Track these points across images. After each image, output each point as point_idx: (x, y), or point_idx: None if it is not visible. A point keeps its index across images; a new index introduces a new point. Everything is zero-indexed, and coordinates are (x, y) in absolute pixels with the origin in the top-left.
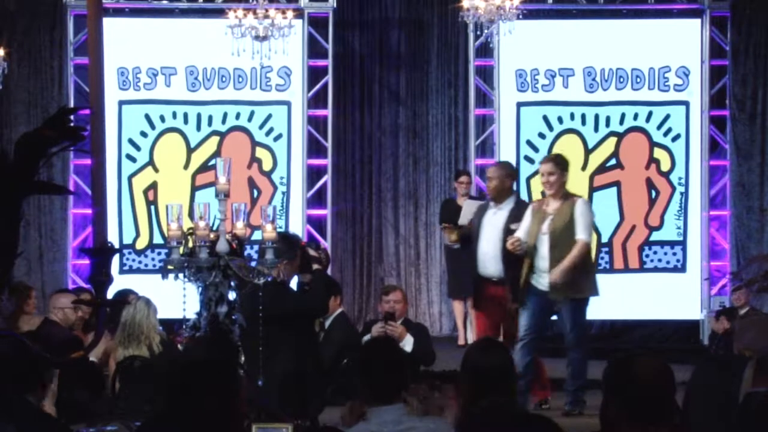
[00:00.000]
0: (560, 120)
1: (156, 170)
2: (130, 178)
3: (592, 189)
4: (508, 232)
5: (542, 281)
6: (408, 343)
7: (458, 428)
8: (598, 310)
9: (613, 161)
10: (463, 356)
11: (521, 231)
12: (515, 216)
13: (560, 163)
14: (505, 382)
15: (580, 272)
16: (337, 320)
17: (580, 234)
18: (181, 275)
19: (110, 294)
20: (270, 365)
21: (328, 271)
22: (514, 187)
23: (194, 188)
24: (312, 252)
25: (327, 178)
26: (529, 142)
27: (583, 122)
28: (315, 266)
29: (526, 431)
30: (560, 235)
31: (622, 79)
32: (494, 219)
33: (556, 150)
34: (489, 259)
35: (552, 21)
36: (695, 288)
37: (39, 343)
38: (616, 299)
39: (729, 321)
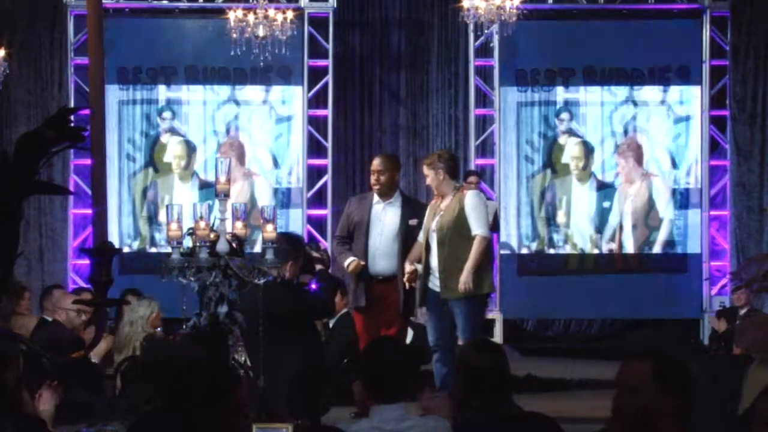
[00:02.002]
0: (561, 120)
1: (156, 170)
2: (130, 178)
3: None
4: (406, 228)
5: (437, 282)
6: (408, 335)
7: (453, 428)
8: (598, 310)
9: (613, 161)
10: (456, 356)
11: (421, 234)
12: (411, 212)
13: (431, 164)
14: (499, 381)
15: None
16: (342, 320)
17: (477, 229)
18: (181, 275)
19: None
20: (277, 365)
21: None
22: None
23: (194, 188)
24: (314, 253)
25: (327, 178)
26: (529, 142)
27: (584, 122)
28: (318, 267)
29: (522, 429)
30: (447, 231)
31: (622, 79)
32: (385, 215)
33: (556, 150)
34: (380, 256)
35: (552, 21)
36: (695, 288)
37: (40, 343)
38: (616, 299)
39: (729, 322)
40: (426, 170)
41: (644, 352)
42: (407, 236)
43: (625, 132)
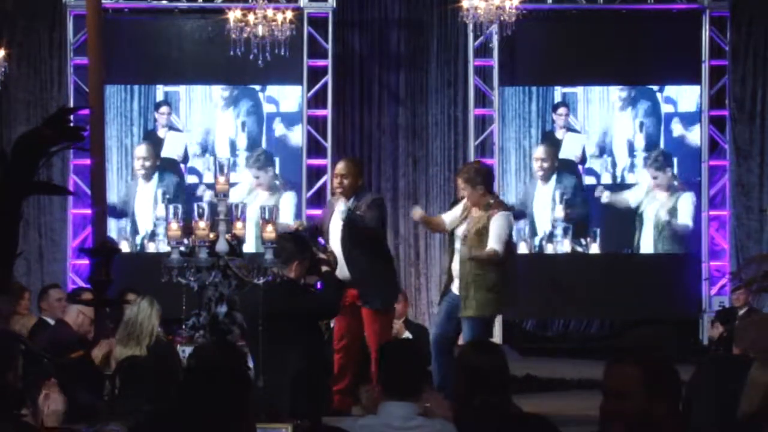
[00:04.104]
0: (558, 115)
1: (155, 166)
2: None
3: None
4: (348, 224)
5: (456, 284)
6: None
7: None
8: (597, 310)
9: (611, 159)
10: (456, 356)
11: (448, 215)
12: (355, 208)
13: (469, 179)
14: (499, 381)
15: (487, 289)
16: None
17: (493, 244)
18: (180, 275)
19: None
20: (279, 364)
21: None
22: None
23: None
24: (321, 254)
25: (327, 178)
26: (528, 140)
27: (583, 121)
28: (324, 268)
29: (521, 430)
30: (471, 240)
31: (621, 79)
32: (338, 216)
33: (555, 146)
34: (342, 261)
35: (551, 21)
36: (695, 288)
37: (43, 343)
38: (615, 299)
39: (723, 325)
40: (461, 183)
41: (628, 352)
42: (354, 232)
43: (625, 131)
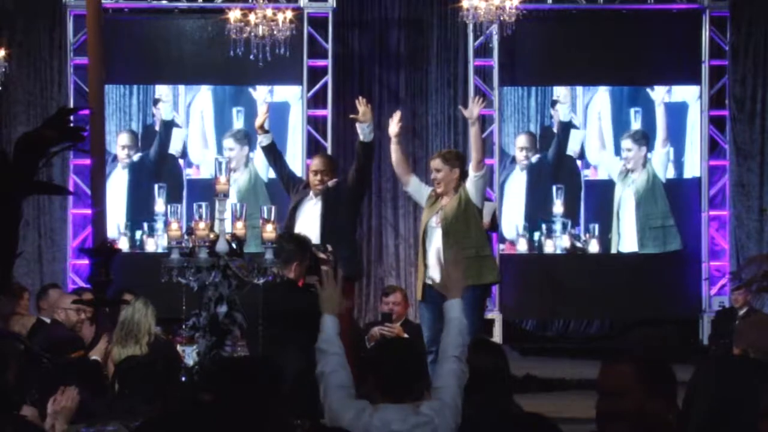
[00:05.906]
0: (560, 120)
1: (155, 163)
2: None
3: None
4: (328, 215)
5: (432, 274)
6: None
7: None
8: (598, 309)
9: (609, 160)
10: None
11: (417, 179)
12: (333, 192)
13: (449, 160)
14: (499, 381)
15: (477, 255)
16: None
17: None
18: (180, 275)
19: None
20: (282, 364)
21: None
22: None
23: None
24: (321, 254)
25: None
26: (527, 137)
27: (584, 122)
28: (324, 268)
29: (521, 429)
30: (452, 219)
31: (621, 79)
32: (315, 210)
33: (559, 141)
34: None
35: (551, 21)
36: (695, 288)
37: (40, 343)
38: (615, 299)
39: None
40: (440, 164)
41: (621, 352)
42: (334, 219)
43: (624, 131)
